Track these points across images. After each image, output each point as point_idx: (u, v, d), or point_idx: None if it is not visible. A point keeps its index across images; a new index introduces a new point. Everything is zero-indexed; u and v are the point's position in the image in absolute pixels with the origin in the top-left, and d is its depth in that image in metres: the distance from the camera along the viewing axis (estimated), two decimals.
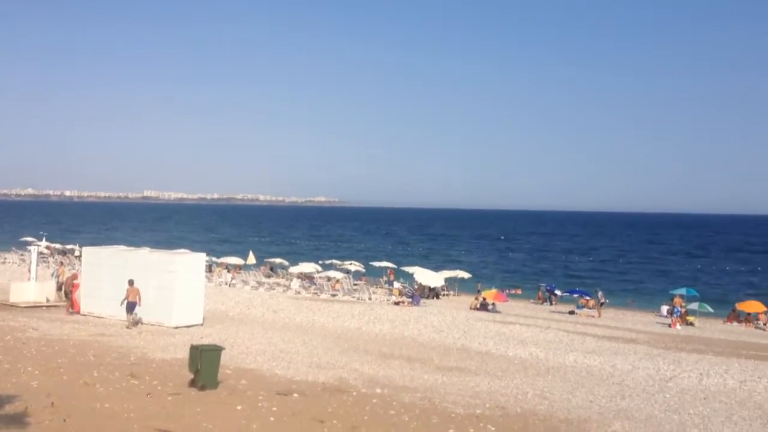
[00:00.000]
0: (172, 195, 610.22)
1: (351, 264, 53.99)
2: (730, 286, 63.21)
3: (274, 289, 45.51)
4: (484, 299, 40.97)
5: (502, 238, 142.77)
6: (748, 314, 40.00)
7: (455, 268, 54.07)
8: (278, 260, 58.08)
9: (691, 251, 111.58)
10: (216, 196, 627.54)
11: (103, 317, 27.46)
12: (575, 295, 44.99)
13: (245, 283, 47.30)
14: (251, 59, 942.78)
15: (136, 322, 25.91)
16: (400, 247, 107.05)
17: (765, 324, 38.68)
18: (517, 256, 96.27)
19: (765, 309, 39.46)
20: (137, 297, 25.56)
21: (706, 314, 41.07)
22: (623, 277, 71.27)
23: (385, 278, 51.04)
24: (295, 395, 16.51)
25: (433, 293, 46.13)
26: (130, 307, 25.65)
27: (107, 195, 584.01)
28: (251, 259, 57.61)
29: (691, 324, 38.01)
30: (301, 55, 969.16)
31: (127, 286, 25.62)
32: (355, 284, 47.14)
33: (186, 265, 27.05)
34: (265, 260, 59.76)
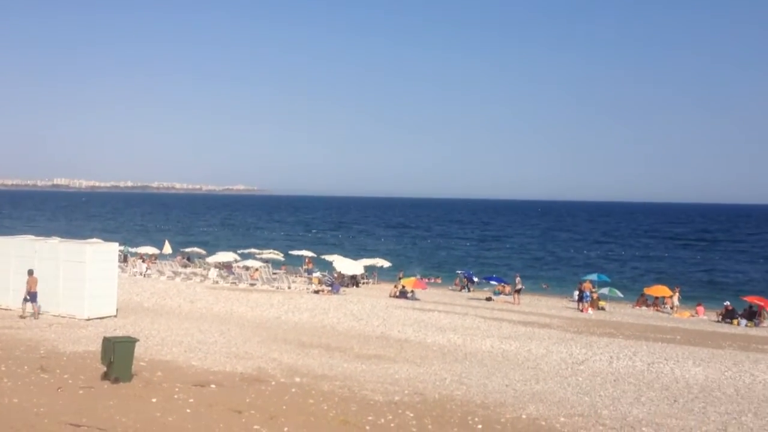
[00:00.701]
0: (83, 183, 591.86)
1: (270, 253, 53.56)
2: (638, 271, 65.47)
3: (191, 279, 44.72)
4: (404, 287, 41.28)
5: (413, 226, 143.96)
6: (656, 298, 41.52)
7: (374, 256, 54.26)
8: (195, 249, 57.09)
9: (599, 238, 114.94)
10: (130, 184, 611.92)
11: (11, 309, 26.44)
12: (492, 282, 45.82)
13: (161, 273, 46.31)
14: (164, 45, 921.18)
15: (34, 313, 25.06)
16: (318, 235, 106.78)
17: (671, 308, 40.24)
18: (431, 243, 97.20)
19: (671, 293, 41.04)
20: (35, 287, 24.92)
21: (616, 299, 42.46)
22: (537, 263, 72.92)
23: (304, 267, 50.82)
24: (213, 386, 16.28)
25: (353, 281, 46.19)
26: (33, 297, 24.89)
27: (14, 183, 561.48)
28: (167, 248, 56.49)
29: (602, 308, 39.23)
30: (217, 41, 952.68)
31: (27, 276, 24.91)
32: (274, 273, 46.80)
33: (98, 255, 26.28)
34: (182, 249, 58.66)
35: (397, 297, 40.20)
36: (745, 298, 37.93)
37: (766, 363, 23.44)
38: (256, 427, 13.20)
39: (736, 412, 16.56)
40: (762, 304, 36.53)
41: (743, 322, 35.42)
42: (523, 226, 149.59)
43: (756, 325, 35.13)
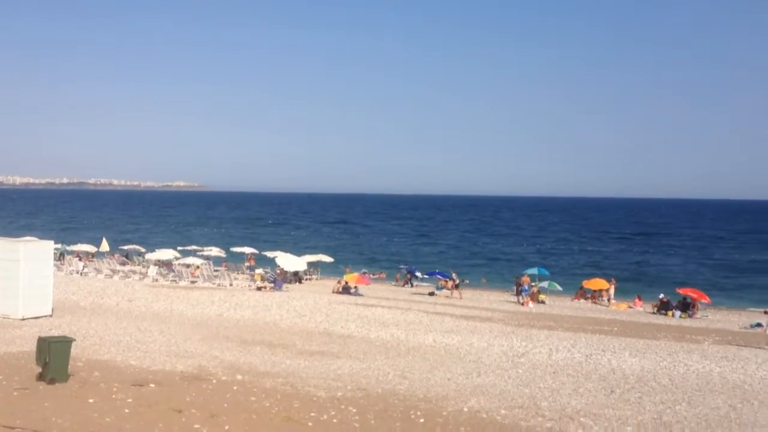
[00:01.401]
0: (17, 179, 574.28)
1: (211, 250, 52.91)
2: (577, 265, 66.71)
3: (129, 277, 43.88)
4: (347, 283, 41.25)
5: (345, 222, 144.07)
6: (594, 291, 42.39)
7: (317, 252, 54.09)
8: (134, 247, 56.05)
9: (537, 233, 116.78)
10: (66, 180, 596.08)
11: None
12: (435, 277, 46.10)
13: (98, 271, 45.32)
14: (101, 39, 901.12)
15: None
16: (260, 231, 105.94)
17: (608, 300, 41.12)
18: (370, 239, 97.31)
19: (608, 286, 41.94)
20: None
21: (556, 292, 43.21)
22: (477, 257, 73.67)
23: (246, 264, 50.36)
24: (152, 385, 16.01)
25: (296, 278, 45.96)
26: None
27: None
28: (104, 246, 55.32)
29: (542, 302, 39.87)
30: (159, 30, 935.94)
31: None
32: (216, 270, 46.23)
33: (32, 254, 25.55)
34: (120, 247, 57.52)
35: (340, 293, 40.15)
36: (680, 291, 38.99)
37: (699, 353, 24.16)
38: (196, 426, 13.04)
39: (671, 402, 17.02)
40: (695, 296, 37.59)
41: (677, 313, 36.40)
42: (459, 222, 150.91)
43: (690, 316, 36.13)
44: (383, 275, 53.20)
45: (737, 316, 37.17)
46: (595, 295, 42.22)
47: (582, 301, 42.18)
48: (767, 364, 22.21)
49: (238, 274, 47.22)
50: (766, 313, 38.27)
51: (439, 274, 46.61)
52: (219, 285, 41.31)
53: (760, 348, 25.97)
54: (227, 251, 53.07)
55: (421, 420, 14.31)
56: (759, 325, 32.76)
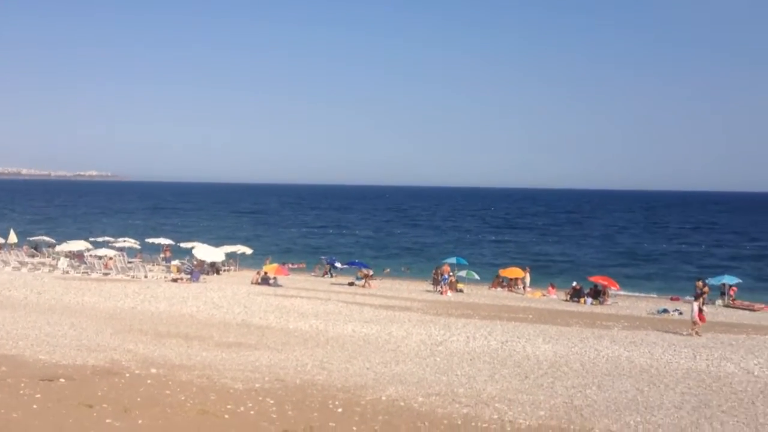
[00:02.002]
0: None
1: (125, 241, 51.62)
2: (494, 254, 67.91)
3: (38, 269, 42.44)
4: (266, 273, 40.91)
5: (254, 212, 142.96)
6: (510, 279, 43.26)
7: (236, 243, 53.43)
8: (43, 238, 54.15)
9: (458, 222, 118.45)
10: None
11: None
12: (354, 267, 46.17)
13: (5, 263, 43.63)
14: (13, 19, 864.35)
15: None
16: (178, 222, 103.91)
17: (523, 288, 42.04)
18: (292, 231, 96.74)
19: (523, 275, 42.87)
20: None
21: (474, 281, 43.90)
22: (394, 247, 74.13)
23: (162, 255, 49.35)
24: (62, 380, 15.51)
25: (213, 269, 45.30)
26: None
27: None
28: (12, 237, 53.24)
29: (461, 291, 40.47)
30: (73, 13, 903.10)
31: None
32: (130, 262, 45.17)
33: None
34: (28, 238, 55.49)
35: (259, 284, 39.80)
36: (591, 278, 40.17)
37: (609, 338, 24.94)
38: (108, 420, 12.70)
39: (582, 386, 17.53)
40: (606, 283, 38.81)
41: (589, 300, 37.53)
42: (377, 212, 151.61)
43: (601, 303, 37.29)
44: (303, 265, 52.96)
45: (645, 303, 38.56)
46: (511, 284, 43.10)
47: (499, 289, 43.00)
48: (673, 349, 23.09)
49: (153, 265, 46.24)
50: (672, 299, 39.88)
51: (358, 264, 46.73)
52: (133, 277, 40.36)
53: (666, 332, 27.01)
54: (142, 242, 51.88)
55: (339, 410, 14.32)
56: (665, 311, 34.10)
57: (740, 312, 35.86)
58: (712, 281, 40.11)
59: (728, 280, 40.10)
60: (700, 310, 27.12)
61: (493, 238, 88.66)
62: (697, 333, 26.36)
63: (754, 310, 36.29)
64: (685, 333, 26.76)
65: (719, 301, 38.59)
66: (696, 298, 28.62)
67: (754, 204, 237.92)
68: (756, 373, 19.64)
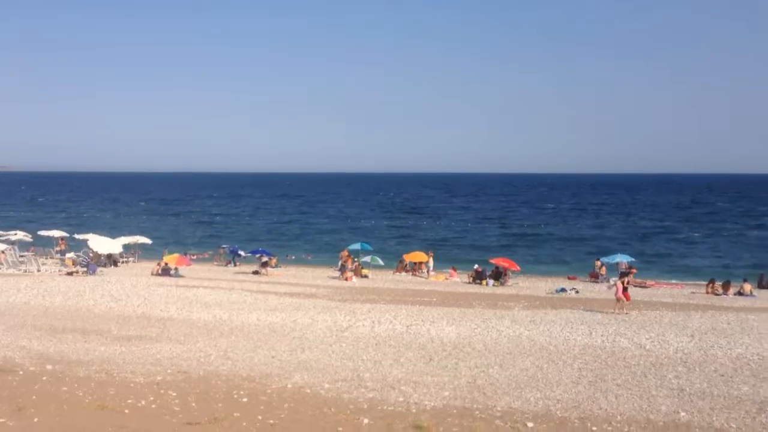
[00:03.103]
0: None
1: (16, 234, 49.31)
2: (400, 239, 68.41)
3: None
4: (166, 264, 39.95)
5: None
6: (415, 264, 43.72)
7: (134, 233, 51.93)
8: None
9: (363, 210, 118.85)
10: None
11: None
12: (257, 255, 45.56)
13: None
14: None
15: None
16: (72, 214, 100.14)
17: (427, 272, 42.56)
18: (187, 219, 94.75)
19: (427, 259, 43.39)
20: None
21: (378, 266, 44.15)
22: (300, 234, 73.79)
23: (56, 248, 47.46)
24: None
25: (111, 261, 43.90)
26: None
27: None
28: None
29: (366, 276, 40.62)
30: None
31: None
32: (22, 256, 43.22)
33: None
34: None
35: (159, 275, 38.84)
36: (493, 261, 41.04)
37: (510, 318, 25.58)
38: (1, 420, 12.14)
39: (484, 365, 17.92)
40: (507, 265, 39.74)
41: (491, 282, 38.34)
42: (278, 199, 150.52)
43: (502, 284, 38.17)
44: (206, 255, 51.99)
45: (544, 283, 39.68)
46: (415, 268, 43.56)
47: (403, 274, 43.39)
48: (570, 326, 23.89)
49: (47, 259, 44.44)
50: (569, 278, 41.25)
51: (263, 251, 46.18)
52: (26, 271, 38.71)
53: (588, 311, 27.89)
54: (34, 235, 49.69)
55: (245, 399, 14.16)
56: (563, 290, 35.23)
57: (633, 289, 37.35)
58: (607, 260, 41.72)
59: (621, 258, 41.75)
60: (625, 289, 28.09)
61: (398, 224, 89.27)
62: (623, 311, 27.27)
63: (645, 287, 37.90)
64: (608, 311, 27.65)
65: (612, 279, 40.13)
66: (620, 277, 29.62)
67: (647, 184, 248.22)
68: (648, 347, 20.55)
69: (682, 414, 13.77)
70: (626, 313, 27.07)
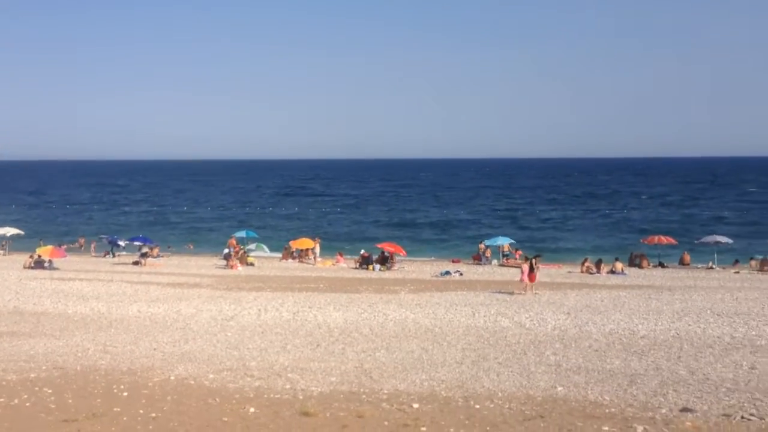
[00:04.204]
0: None
1: None
2: (284, 226, 67.85)
3: None
4: (39, 256, 38.14)
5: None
6: (301, 251, 43.51)
7: (5, 225, 49.25)
8: None
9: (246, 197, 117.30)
10: None
11: None
12: (137, 243, 44.03)
13: None
14: None
15: None
16: None
17: (314, 259, 42.45)
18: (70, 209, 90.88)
19: (314, 245, 43.27)
20: None
21: (264, 254, 43.71)
22: (183, 223, 72.08)
23: None
24: None
25: None
26: None
27: None
28: None
29: (251, 264, 40.11)
30: None
31: None
32: None
33: None
34: None
35: (32, 267, 37.06)
36: (379, 246, 41.39)
37: (396, 303, 25.91)
38: None
39: (371, 349, 18.08)
40: (393, 249, 40.18)
41: (377, 267, 38.66)
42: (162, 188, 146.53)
43: (388, 269, 38.56)
44: (78, 244, 49.50)
45: (429, 266, 40.34)
46: (302, 255, 43.36)
47: (290, 261, 43.09)
48: (455, 308, 24.42)
49: None
50: (453, 261, 42.13)
51: (143, 239, 44.72)
52: None
53: (497, 293, 28.45)
54: None
55: (125, 393, 13.72)
56: (448, 273, 35.95)
57: (513, 270, 38.56)
58: (489, 242, 42.87)
59: (502, 241, 43.02)
60: (531, 271, 28.79)
61: (285, 210, 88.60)
62: (532, 291, 28.12)
63: None
64: (515, 293, 28.36)
65: (495, 261, 41.32)
66: (526, 260, 30.34)
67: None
68: (527, 326, 21.28)
69: (559, 389, 14.34)
70: (535, 293, 27.98)
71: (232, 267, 38.51)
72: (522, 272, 28.84)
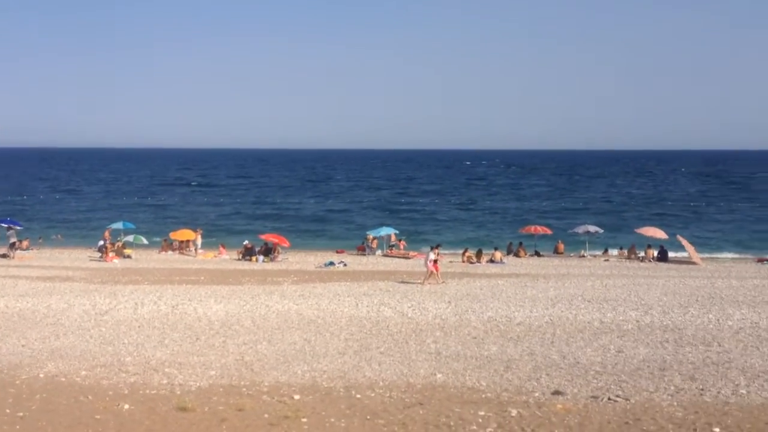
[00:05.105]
0: None
1: None
2: (171, 218, 66.02)
3: None
4: None
5: None
6: (181, 242, 42.46)
7: None
8: None
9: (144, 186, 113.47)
10: None
11: None
12: (4, 225, 41.22)
13: None
14: None
15: None
16: None
17: (195, 250, 41.50)
18: None
19: (194, 236, 42.32)
20: None
21: (142, 246, 42.38)
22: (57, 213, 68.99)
23: None
24: None
25: None
26: None
27: None
28: None
29: (128, 256, 38.82)
30: None
31: None
32: None
33: None
34: None
35: None
36: (262, 236, 40.94)
37: (279, 294, 25.69)
38: None
39: (253, 342, 17.86)
40: (277, 240, 39.81)
41: (261, 258, 38.25)
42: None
43: (272, 260, 38.22)
44: None
45: (313, 257, 40.21)
46: (182, 246, 42.34)
47: (170, 252, 41.99)
48: (338, 299, 24.45)
49: None
50: (338, 252, 42.23)
51: (9, 222, 41.90)
52: None
53: (332, 283, 28.52)
54: None
55: None
56: (332, 263, 36.00)
57: (397, 260, 39.08)
58: (374, 233, 43.19)
59: (387, 231, 43.46)
60: (435, 261, 29.01)
61: (170, 201, 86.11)
62: (432, 282, 28.33)
63: (409, 258, 39.74)
64: (418, 282, 28.58)
65: (379, 251, 41.69)
66: (432, 249, 30.51)
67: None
68: (409, 315, 21.58)
69: (439, 376, 14.62)
70: (443, 282, 28.43)
71: (107, 259, 37.14)
72: (428, 262, 29.18)
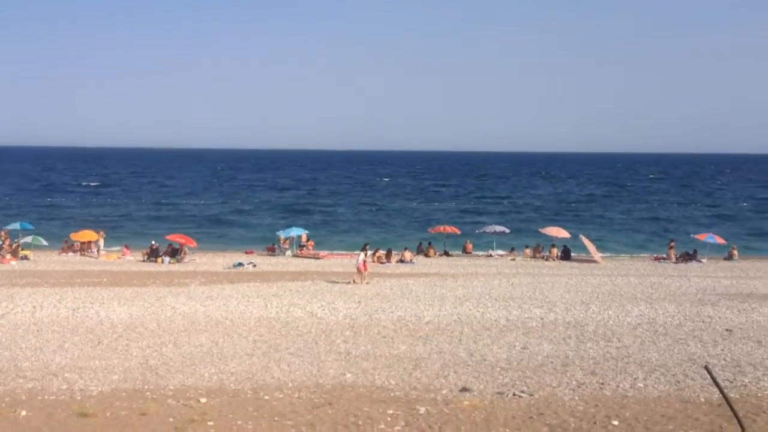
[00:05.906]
0: None
1: None
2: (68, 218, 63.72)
3: None
4: None
5: None
6: (82, 243, 41.02)
7: None
8: None
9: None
10: None
11: None
12: None
13: None
14: None
15: None
16: None
17: (97, 252, 40.17)
18: None
19: (97, 237, 40.96)
20: None
21: (42, 247, 40.74)
22: None
23: None
24: None
25: None
26: None
27: None
28: None
29: (26, 258, 37.31)
30: None
31: None
32: None
33: None
34: None
35: None
36: (169, 237, 39.92)
37: (186, 295, 25.16)
38: None
39: (158, 345, 17.44)
40: (183, 241, 38.91)
41: (167, 259, 37.34)
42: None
43: (179, 261, 37.36)
44: None
45: (222, 258, 39.53)
46: (83, 247, 40.91)
47: (70, 254, 40.51)
48: (247, 300, 24.13)
49: None
50: (247, 253, 41.66)
51: None
52: None
53: (240, 284, 28.13)
54: None
55: None
56: (241, 264, 35.50)
57: (307, 260, 38.87)
58: (284, 233, 42.83)
59: (296, 231, 43.15)
60: (365, 261, 28.89)
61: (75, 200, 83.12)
62: (360, 281, 28.35)
63: (319, 258, 39.60)
64: (347, 281, 28.46)
65: (289, 252, 41.39)
66: (362, 249, 30.34)
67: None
68: (319, 315, 21.52)
69: (348, 375, 14.64)
70: (366, 283, 28.44)
71: (3, 261, 35.55)
72: (358, 261, 29.24)
